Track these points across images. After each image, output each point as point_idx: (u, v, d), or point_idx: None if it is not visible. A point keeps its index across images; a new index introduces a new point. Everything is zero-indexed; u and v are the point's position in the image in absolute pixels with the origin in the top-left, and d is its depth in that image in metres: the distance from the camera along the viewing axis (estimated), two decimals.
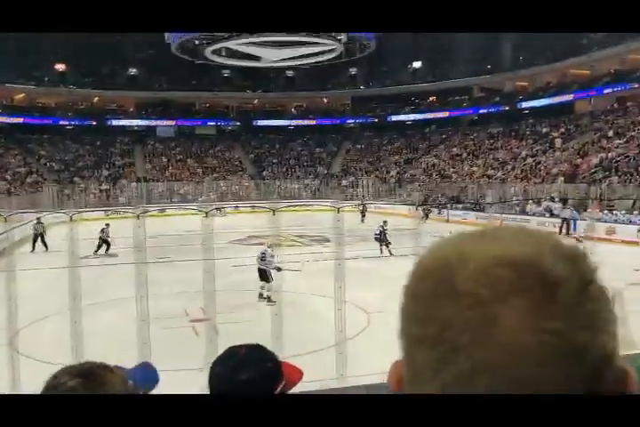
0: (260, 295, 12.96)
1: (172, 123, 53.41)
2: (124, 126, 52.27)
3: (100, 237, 21.45)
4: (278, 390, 1.31)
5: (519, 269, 0.50)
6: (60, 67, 49.79)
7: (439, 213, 32.93)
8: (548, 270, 0.50)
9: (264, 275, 13.02)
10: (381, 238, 19.98)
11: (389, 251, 19.45)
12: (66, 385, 1.02)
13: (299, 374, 1.39)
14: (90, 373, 1.05)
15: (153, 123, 53.02)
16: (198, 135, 54.16)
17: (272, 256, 13.03)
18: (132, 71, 52.44)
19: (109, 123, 51.13)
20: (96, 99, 51.95)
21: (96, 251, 21.19)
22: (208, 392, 1.36)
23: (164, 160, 49.87)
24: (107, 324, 10.78)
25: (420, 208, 30.93)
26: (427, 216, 30.65)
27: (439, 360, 0.51)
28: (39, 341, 9.63)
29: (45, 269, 15.87)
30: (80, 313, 7.39)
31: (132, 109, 52.99)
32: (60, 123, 49.74)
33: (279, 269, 12.71)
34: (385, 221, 20.60)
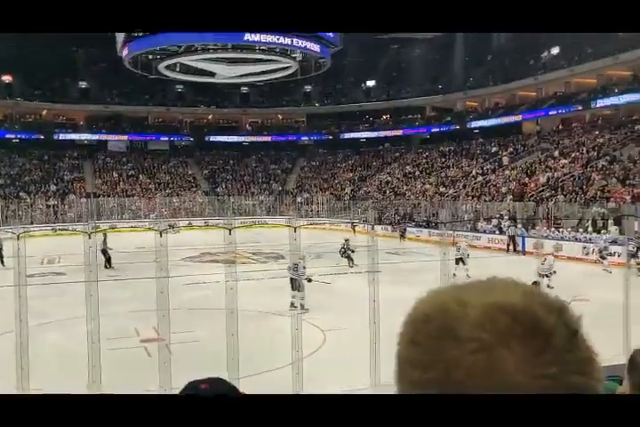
0: (292, 304, 13.30)
1: (124, 137, 52.56)
2: (73, 140, 51.11)
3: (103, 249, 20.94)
4: None
5: (517, 317, 0.55)
6: (7, 78, 48.52)
7: (393, 230, 33.23)
8: (542, 319, 0.55)
9: (295, 284, 13.51)
10: (347, 254, 20.91)
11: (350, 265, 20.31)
12: None
13: None
14: None
15: (104, 137, 52.03)
16: (151, 150, 53.45)
17: (304, 268, 13.65)
18: (83, 84, 51.50)
19: (58, 136, 49.90)
20: (44, 112, 50.75)
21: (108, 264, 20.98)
22: None
23: (115, 175, 48.96)
24: (54, 346, 10.42)
25: (396, 227, 30.99)
26: (403, 236, 30.82)
27: None
28: None
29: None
30: (27, 334, 7.12)
31: (82, 123, 51.87)
32: (6, 136, 48.29)
33: (309, 280, 13.47)
34: (347, 239, 21.38)
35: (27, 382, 6.51)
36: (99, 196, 44.47)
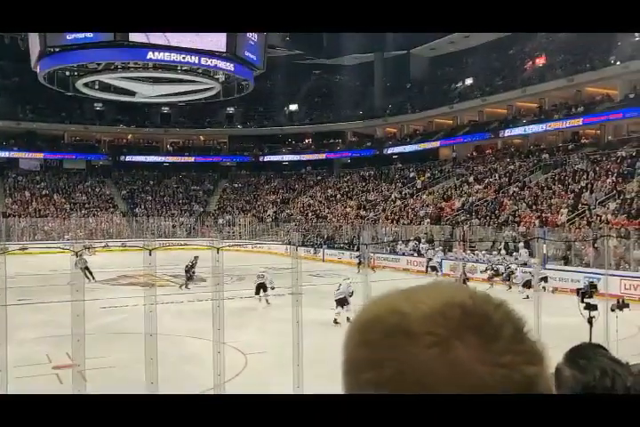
0: (335, 321, 14.30)
1: (38, 155, 50.45)
2: None
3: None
4: None
5: (468, 311, 0.58)
6: None
7: (315, 252, 33.43)
8: (491, 313, 0.59)
9: (343, 301, 14.66)
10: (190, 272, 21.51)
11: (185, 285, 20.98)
12: None
13: None
14: None
15: (15, 155, 49.77)
16: (66, 169, 51.58)
17: (349, 286, 15.05)
18: None
19: None
20: None
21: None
22: None
23: (28, 195, 46.84)
24: None
25: (354, 257, 29.46)
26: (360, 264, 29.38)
27: None
28: None
29: None
30: None
31: None
32: None
33: (351, 295, 14.77)
34: (196, 257, 21.25)
35: None
36: (8, 216, 42.34)
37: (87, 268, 22.03)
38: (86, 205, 47.00)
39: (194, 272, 21.40)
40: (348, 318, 14.23)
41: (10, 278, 9.47)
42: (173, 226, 44.88)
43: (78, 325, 7.96)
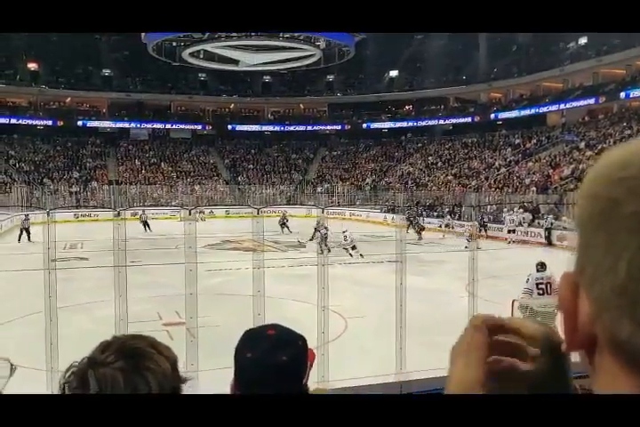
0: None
1: (147, 125, 52.92)
2: (96, 128, 51.60)
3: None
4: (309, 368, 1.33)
5: None
6: (33, 65, 49.01)
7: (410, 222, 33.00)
8: None
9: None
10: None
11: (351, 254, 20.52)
12: (105, 365, 0.99)
13: (312, 353, 1.40)
14: (136, 353, 1.02)
15: (126, 125, 52.46)
16: (173, 139, 53.78)
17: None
18: (107, 72, 51.85)
19: (81, 124, 50.39)
20: (68, 99, 51.23)
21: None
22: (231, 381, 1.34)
23: (137, 163, 49.38)
24: (80, 328, 10.58)
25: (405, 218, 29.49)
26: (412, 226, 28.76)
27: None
28: (7, 344, 9.42)
29: (16, 272, 15.57)
30: (56, 315, 7.25)
31: (104, 111, 52.34)
32: (31, 123, 48.87)
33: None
34: (345, 230, 21.30)
35: (56, 362, 6.64)
36: (121, 183, 44.90)
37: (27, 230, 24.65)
38: (191, 174, 48.92)
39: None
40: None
41: (122, 242, 10.04)
42: (274, 194, 45.88)
43: (189, 284, 8.36)
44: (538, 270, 9.76)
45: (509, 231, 26.26)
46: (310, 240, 23.03)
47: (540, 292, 9.51)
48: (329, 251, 19.26)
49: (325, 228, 21.77)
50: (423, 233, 26.24)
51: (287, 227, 28.40)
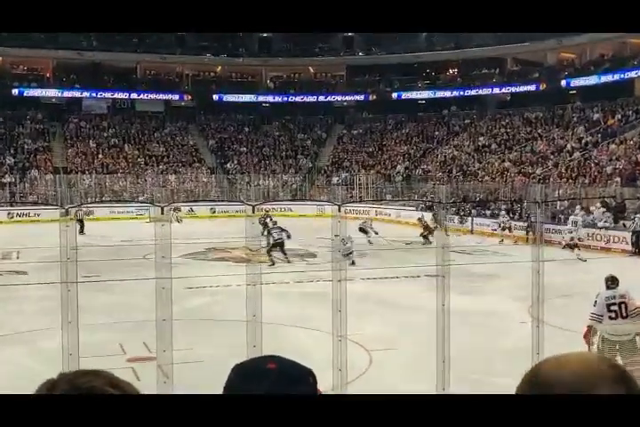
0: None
1: (105, 95, 53.10)
2: (37, 98, 51.83)
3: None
4: None
5: None
6: None
7: (461, 221, 33.06)
8: None
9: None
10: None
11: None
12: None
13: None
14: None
15: (77, 94, 52.64)
16: (139, 112, 53.98)
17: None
18: None
19: (17, 93, 50.54)
20: None
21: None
22: None
23: (93, 145, 49.61)
24: (16, 365, 10.66)
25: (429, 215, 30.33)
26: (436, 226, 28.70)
27: None
28: None
29: None
30: None
31: (48, 75, 52.56)
32: None
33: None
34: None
35: None
36: (70, 172, 45.09)
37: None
38: (164, 159, 49.10)
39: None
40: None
41: (72, 250, 10.07)
42: (274, 186, 45.93)
43: (157, 308, 8.39)
44: (608, 287, 9.75)
45: (571, 238, 25.97)
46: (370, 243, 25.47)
47: (613, 315, 9.48)
48: (353, 263, 19.33)
49: (371, 228, 23.28)
50: (456, 236, 26.36)
51: (269, 231, 23.02)
